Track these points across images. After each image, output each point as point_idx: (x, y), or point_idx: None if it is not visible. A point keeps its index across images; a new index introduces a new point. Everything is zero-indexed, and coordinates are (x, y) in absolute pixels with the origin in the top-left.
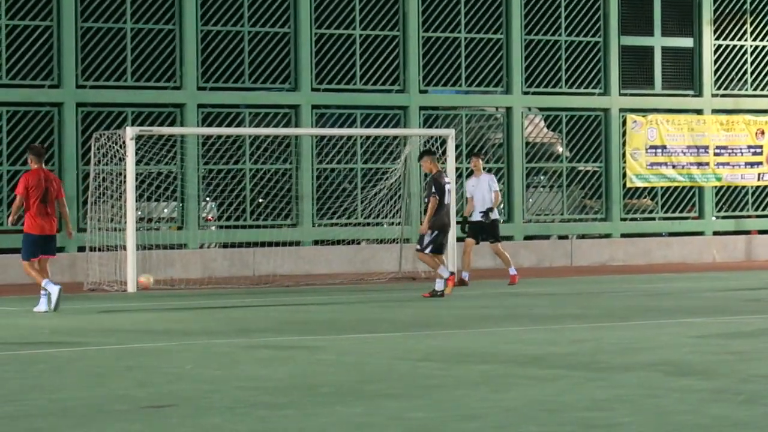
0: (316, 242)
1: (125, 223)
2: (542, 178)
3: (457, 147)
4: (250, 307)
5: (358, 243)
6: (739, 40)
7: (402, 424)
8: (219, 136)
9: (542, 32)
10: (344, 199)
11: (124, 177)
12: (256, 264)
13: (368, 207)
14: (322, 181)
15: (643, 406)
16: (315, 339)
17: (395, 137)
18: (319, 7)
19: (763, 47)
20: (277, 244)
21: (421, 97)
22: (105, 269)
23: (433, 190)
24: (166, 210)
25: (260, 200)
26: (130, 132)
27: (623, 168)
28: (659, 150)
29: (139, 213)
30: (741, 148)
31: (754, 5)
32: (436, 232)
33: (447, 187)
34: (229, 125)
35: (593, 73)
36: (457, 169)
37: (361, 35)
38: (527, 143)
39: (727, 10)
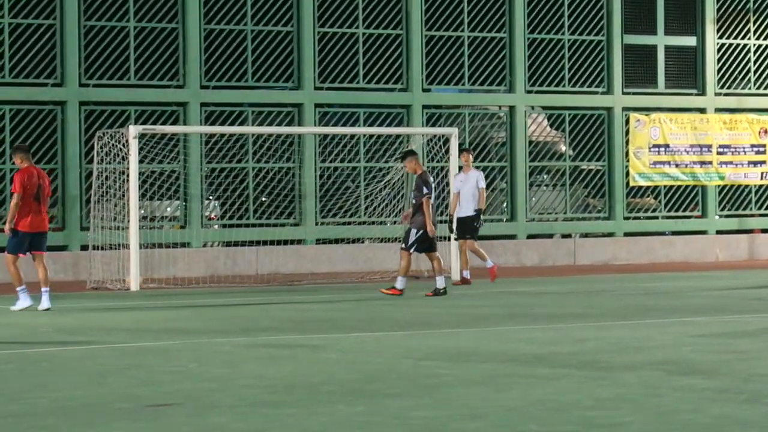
0: (318, 241)
1: (128, 221)
2: (545, 176)
3: (460, 146)
4: (253, 305)
5: (361, 242)
6: (743, 38)
7: (404, 423)
8: (222, 135)
9: (545, 31)
10: (347, 198)
11: (127, 175)
12: (258, 263)
13: (371, 206)
14: (324, 179)
15: (645, 406)
16: (317, 338)
17: (398, 136)
18: (322, 6)
19: (767, 46)
20: (280, 242)
21: (424, 96)
22: (108, 268)
23: (425, 190)
24: (169, 209)
25: (263, 199)
26: (133, 130)
27: (626, 167)
28: (662, 149)
29: (142, 212)
30: (744, 147)
31: (757, 4)
32: (421, 231)
33: (433, 185)
34: (232, 124)
35: (596, 72)
36: (459, 167)
37: (364, 34)
38: (530, 142)
39: (730, 9)
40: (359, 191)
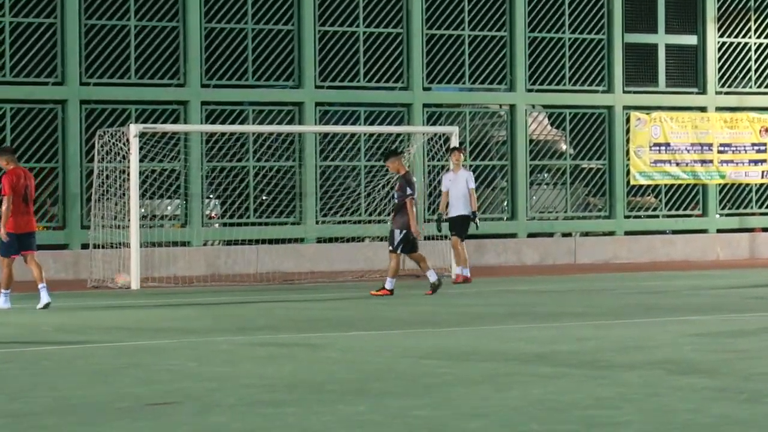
0: (319, 240)
1: (129, 220)
2: (546, 175)
3: (460, 144)
4: (253, 304)
5: (361, 240)
6: (743, 37)
7: (405, 422)
8: (222, 134)
9: (546, 30)
10: (347, 197)
11: (128, 174)
12: (259, 261)
13: (371, 204)
14: (325, 178)
15: (645, 405)
16: (317, 337)
17: (399, 135)
18: (322, 5)
19: (767, 45)
20: (281, 241)
21: (424, 95)
22: (108, 266)
23: (409, 191)
24: (169, 207)
25: (263, 198)
26: (133, 129)
27: (627, 165)
28: (663, 147)
29: (143, 210)
30: (745, 146)
31: (758, 2)
32: (405, 230)
33: (416, 185)
34: (232, 122)
35: (597, 71)
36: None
37: (364, 32)
38: (531, 141)
39: (731, 8)
40: (359, 190)
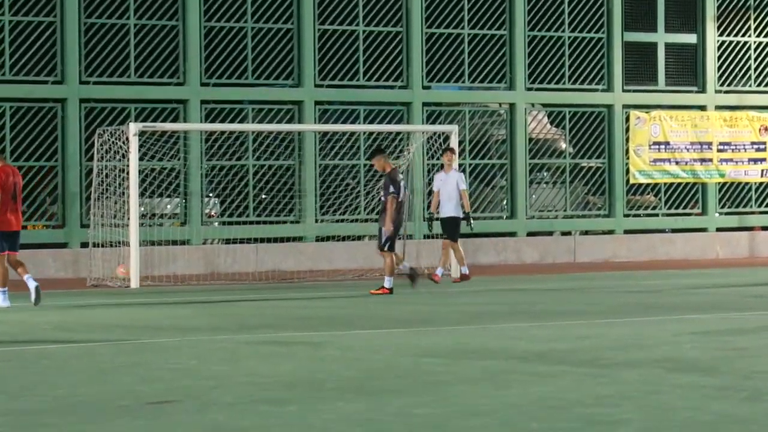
0: (318, 238)
1: (128, 219)
2: (545, 174)
3: (460, 143)
4: (253, 302)
5: (361, 239)
6: (743, 36)
7: (405, 421)
8: (222, 132)
9: (545, 28)
10: (347, 196)
11: (127, 173)
12: (258, 260)
13: (371, 203)
14: (325, 177)
15: (645, 403)
16: (318, 335)
17: (398, 133)
18: (322, 3)
19: (767, 43)
20: (280, 240)
21: (424, 93)
22: (108, 265)
23: (391, 189)
24: (169, 206)
25: (263, 196)
26: (133, 128)
27: (626, 164)
28: (662, 146)
29: (142, 209)
30: (744, 145)
31: (757, 1)
32: (392, 228)
33: (401, 184)
34: (232, 121)
35: (596, 70)
36: (460, 165)
37: (364, 31)
38: (530, 139)
39: (730, 6)
40: (359, 189)
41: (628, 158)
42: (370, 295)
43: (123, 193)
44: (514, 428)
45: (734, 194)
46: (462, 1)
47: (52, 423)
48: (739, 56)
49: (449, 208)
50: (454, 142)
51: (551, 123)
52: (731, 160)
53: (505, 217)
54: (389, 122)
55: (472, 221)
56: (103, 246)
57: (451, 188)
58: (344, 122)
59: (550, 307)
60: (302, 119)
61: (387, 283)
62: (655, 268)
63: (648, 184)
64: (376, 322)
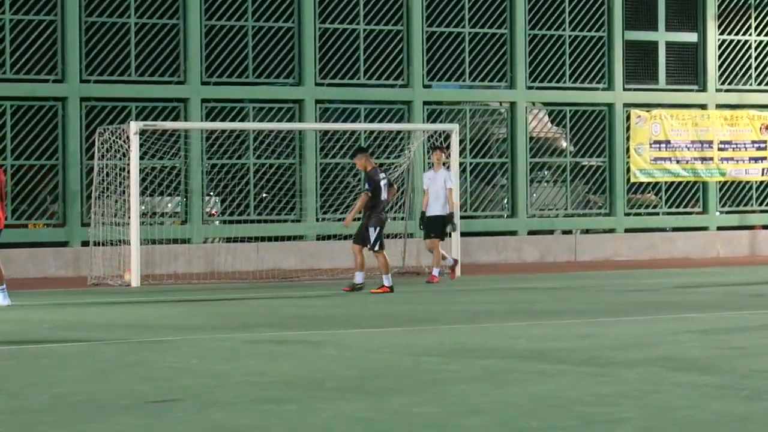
0: (319, 237)
1: (129, 217)
2: (546, 173)
3: (461, 142)
4: (254, 301)
5: None
6: (744, 35)
7: (405, 420)
8: (223, 131)
9: (546, 27)
10: (348, 194)
11: (128, 172)
12: (259, 259)
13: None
14: (325, 176)
15: (645, 402)
16: (318, 334)
17: (399, 132)
18: (322, 2)
19: None
20: (281, 238)
21: (424, 92)
22: (108, 264)
23: (367, 186)
24: (169, 205)
25: (264, 195)
26: (133, 126)
27: (627, 163)
28: (663, 145)
29: (143, 208)
30: (745, 143)
31: (758, 0)
32: (378, 228)
33: (382, 183)
34: (232, 120)
35: (597, 68)
36: (461, 164)
37: (364, 30)
38: (531, 138)
39: (731, 5)
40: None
41: (628, 157)
42: (371, 294)
43: (123, 192)
44: (514, 427)
45: (735, 193)
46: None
47: (52, 422)
48: (740, 55)
49: (436, 207)
50: (454, 141)
51: (552, 122)
52: (732, 158)
53: (505, 215)
54: (390, 121)
55: (453, 223)
56: (103, 245)
57: (439, 187)
58: (345, 121)
59: (550, 306)
60: (303, 118)
61: (386, 281)
62: (656, 266)
63: (649, 183)
64: (376, 321)
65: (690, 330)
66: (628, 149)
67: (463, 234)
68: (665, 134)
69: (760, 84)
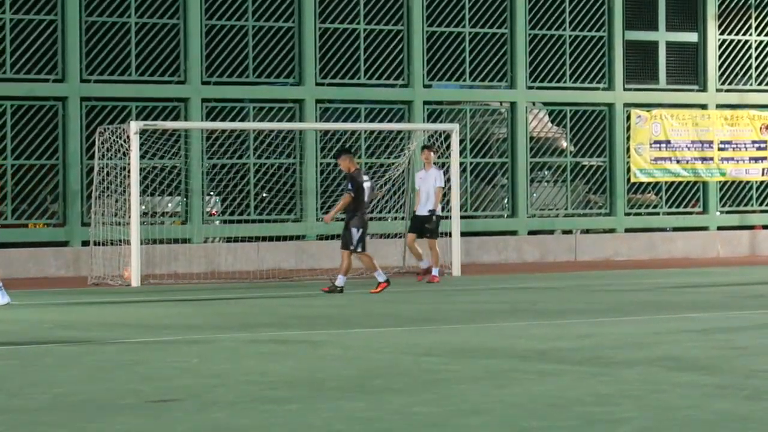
0: (320, 237)
1: (129, 217)
2: (546, 172)
3: (461, 141)
4: (254, 301)
5: None
6: (744, 35)
7: (406, 419)
8: (223, 131)
9: (546, 27)
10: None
11: (128, 171)
12: (259, 259)
13: (371, 202)
14: (325, 175)
15: (646, 401)
16: (319, 334)
17: (399, 132)
18: (323, 2)
19: None
20: (281, 238)
21: (425, 92)
22: (109, 264)
23: (349, 186)
24: (170, 204)
25: (264, 195)
26: (134, 126)
27: (627, 163)
28: (663, 145)
29: (143, 207)
30: (745, 143)
31: (758, 0)
32: (361, 229)
33: (365, 185)
34: (233, 120)
35: (597, 68)
36: (461, 164)
37: (365, 30)
38: (531, 138)
39: (731, 5)
40: None
41: (629, 157)
42: (371, 294)
43: (124, 192)
44: (514, 427)
45: (735, 193)
46: None
47: (52, 421)
48: (740, 55)
49: (427, 206)
50: (454, 141)
51: (552, 121)
52: (732, 158)
53: (506, 215)
54: (390, 121)
55: (434, 221)
56: (104, 244)
57: (429, 186)
58: (345, 121)
59: (550, 306)
60: (303, 117)
61: (379, 277)
62: (656, 266)
63: (649, 183)
64: (377, 320)
65: (690, 330)
66: (628, 149)
67: (463, 234)
68: (665, 134)
69: (760, 84)
